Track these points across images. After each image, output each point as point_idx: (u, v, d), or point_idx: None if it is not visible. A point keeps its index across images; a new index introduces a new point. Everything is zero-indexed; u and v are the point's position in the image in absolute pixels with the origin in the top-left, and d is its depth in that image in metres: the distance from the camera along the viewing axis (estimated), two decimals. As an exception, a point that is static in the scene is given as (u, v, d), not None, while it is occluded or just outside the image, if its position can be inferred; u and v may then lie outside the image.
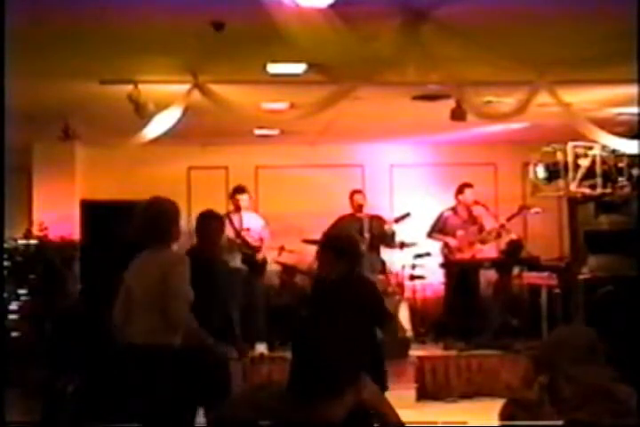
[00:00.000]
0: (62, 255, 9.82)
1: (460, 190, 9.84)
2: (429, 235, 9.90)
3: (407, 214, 9.52)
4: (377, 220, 9.69)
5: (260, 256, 9.37)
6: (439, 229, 9.84)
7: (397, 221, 9.58)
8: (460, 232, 9.73)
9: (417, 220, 9.71)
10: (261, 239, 9.45)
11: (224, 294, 6.06)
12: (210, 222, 6.11)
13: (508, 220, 9.68)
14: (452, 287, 9.80)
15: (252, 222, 9.55)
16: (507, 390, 7.56)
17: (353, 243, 5.78)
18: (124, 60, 6.46)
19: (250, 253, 9.24)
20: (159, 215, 5.07)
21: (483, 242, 9.71)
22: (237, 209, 9.56)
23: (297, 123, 8.15)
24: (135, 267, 5.04)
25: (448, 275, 9.88)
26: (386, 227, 9.52)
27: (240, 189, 9.68)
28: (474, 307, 9.34)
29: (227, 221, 9.42)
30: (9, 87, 5.78)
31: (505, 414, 3.05)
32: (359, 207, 9.69)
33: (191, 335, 4.96)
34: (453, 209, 9.88)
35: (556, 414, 2.89)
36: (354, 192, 9.86)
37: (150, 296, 4.83)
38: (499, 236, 9.71)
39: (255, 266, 9.30)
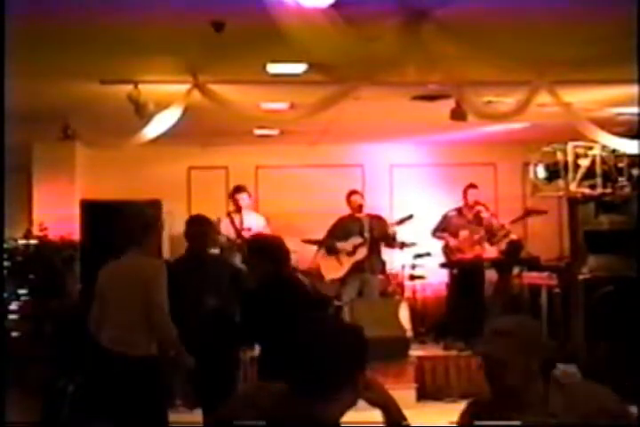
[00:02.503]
0: (62, 255, 9.82)
1: (465, 191, 9.95)
2: (433, 234, 9.98)
3: (410, 216, 9.51)
4: (377, 220, 9.68)
5: None
6: (442, 228, 9.92)
7: (400, 222, 9.58)
8: (463, 232, 9.77)
9: (417, 220, 9.72)
10: None
11: (217, 296, 6.04)
12: (197, 227, 6.10)
13: (512, 222, 9.74)
14: (454, 287, 9.82)
15: (253, 222, 9.55)
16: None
17: (274, 243, 5.72)
18: (124, 60, 6.46)
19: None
20: (137, 223, 5.08)
21: (492, 243, 9.78)
22: (238, 209, 9.55)
23: (297, 123, 8.15)
24: (110, 273, 5.04)
25: (450, 275, 9.93)
26: (389, 230, 9.51)
27: (239, 189, 9.69)
28: (475, 307, 9.35)
29: (228, 221, 9.45)
30: (9, 87, 5.78)
31: (465, 417, 3.04)
32: (359, 208, 9.67)
33: (168, 345, 5.00)
34: (458, 209, 9.97)
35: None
36: (351, 193, 9.83)
37: (129, 304, 4.86)
38: (506, 236, 9.75)
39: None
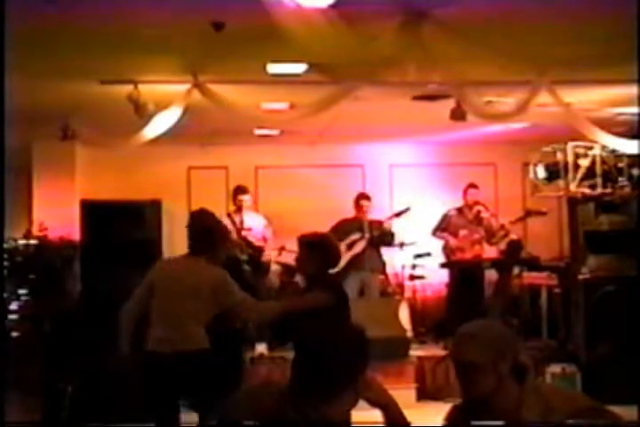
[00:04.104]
0: (62, 255, 9.82)
1: (465, 191, 9.96)
2: (433, 233, 9.99)
3: (407, 209, 9.51)
4: (378, 223, 9.68)
5: (263, 256, 9.37)
6: (443, 228, 9.93)
7: (397, 215, 9.57)
8: (463, 232, 9.77)
9: (417, 220, 9.71)
10: (264, 239, 9.46)
11: None
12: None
13: (512, 223, 9.75)
14: (454, 287, 9.83)
15: (253, 222, 9.55)
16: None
17: (327, 240, 5.74)
18: (124, 60, 6.46)
19: (252, 253, 9.24)
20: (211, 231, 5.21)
21: (491, 243, 9.78)
22: (239, 209, 9.56)
23: (297, 123, 8.15)
24: (171, 274, 5.12)
25: (450, 275, 9.93)
26: (385, 224, 9.48)
27: (242, 190, 9.68)
28: (475, 307, 9.34)
29: (229, 222, 9.44)
30: (9, 87, 5.78)
31: (446, 420, 3.03)
32: (365, 213, 9.62)
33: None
34: (459, 209, 9.99)
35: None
36: (361, 197, 9.76)
37: (198, 305, 4.95)
38: (506, 236, 9.75)
39: (258, 266, 9.29)
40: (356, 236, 9.48)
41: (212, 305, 5.01)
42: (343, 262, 9.40)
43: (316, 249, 5.45)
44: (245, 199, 9.60)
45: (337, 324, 4.34)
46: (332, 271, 5.71)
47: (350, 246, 9.47)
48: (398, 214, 9.58)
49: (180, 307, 4.99)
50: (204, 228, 5.21)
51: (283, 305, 5.51)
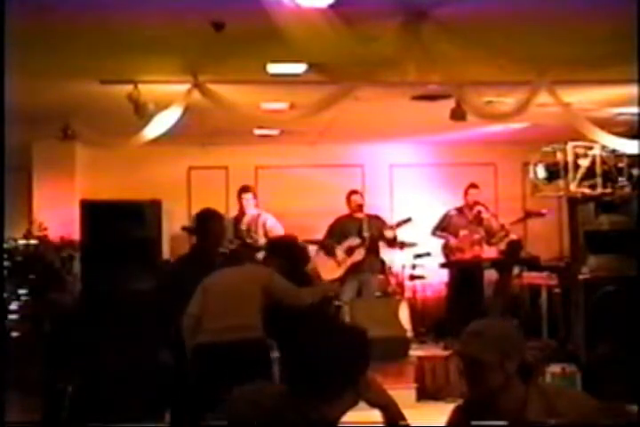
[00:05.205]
0: (62, 255, 9.82)
1: (465, 191, 9.98)
2: (433, 233, 10.01)
3: (408, 219, 9.51)
4: (375, 220, 9.68)
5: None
6: (443, 227, 9.95)
7: (398, 226, 9.58)
8: (463, 232, 9.78)
9: (417, 220, 9.71)
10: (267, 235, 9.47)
11: None
12: (212, 222, 6.05)
13: (512, 224, 9.76)
14: (454, 287, 9.83)
15: (254, 222, 9.58)
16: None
17: (290, 243, 5.86)
18: (124, 60, 6.46)
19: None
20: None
21: (490, 244, 9.79)
22: (242, 209, 9.63)
23: (297, 123, 8.15)
24: (222, 276, 5.44)
25: (450, 274, 9.94)
26: (386, 232, 9.50)
27: (244, 189, 9.75)
28: (475, 307, 9.35)
29: (233, 222, 9.49)
30: (9, 87, 5.78)
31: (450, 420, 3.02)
32: (358, 207, 9.67)
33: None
34: (459, 209, 10.01)
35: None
36: (351, 193, 9.84)
37: (251, 298, 5.24)
38: (506, 236, 9.76)
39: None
40: (355, 241, 9.46)
41: (263, 297, 5.26)
42: (343, 270, 9.43)
43: (281, 251, 5.58)
44: (247, 198, 9.64)
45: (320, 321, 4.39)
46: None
47: (349, 252, 9.46)
48: (399, 225, 9.59)
49: (235, 300, 5.20)
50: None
51: (316, 290, 5.92)
